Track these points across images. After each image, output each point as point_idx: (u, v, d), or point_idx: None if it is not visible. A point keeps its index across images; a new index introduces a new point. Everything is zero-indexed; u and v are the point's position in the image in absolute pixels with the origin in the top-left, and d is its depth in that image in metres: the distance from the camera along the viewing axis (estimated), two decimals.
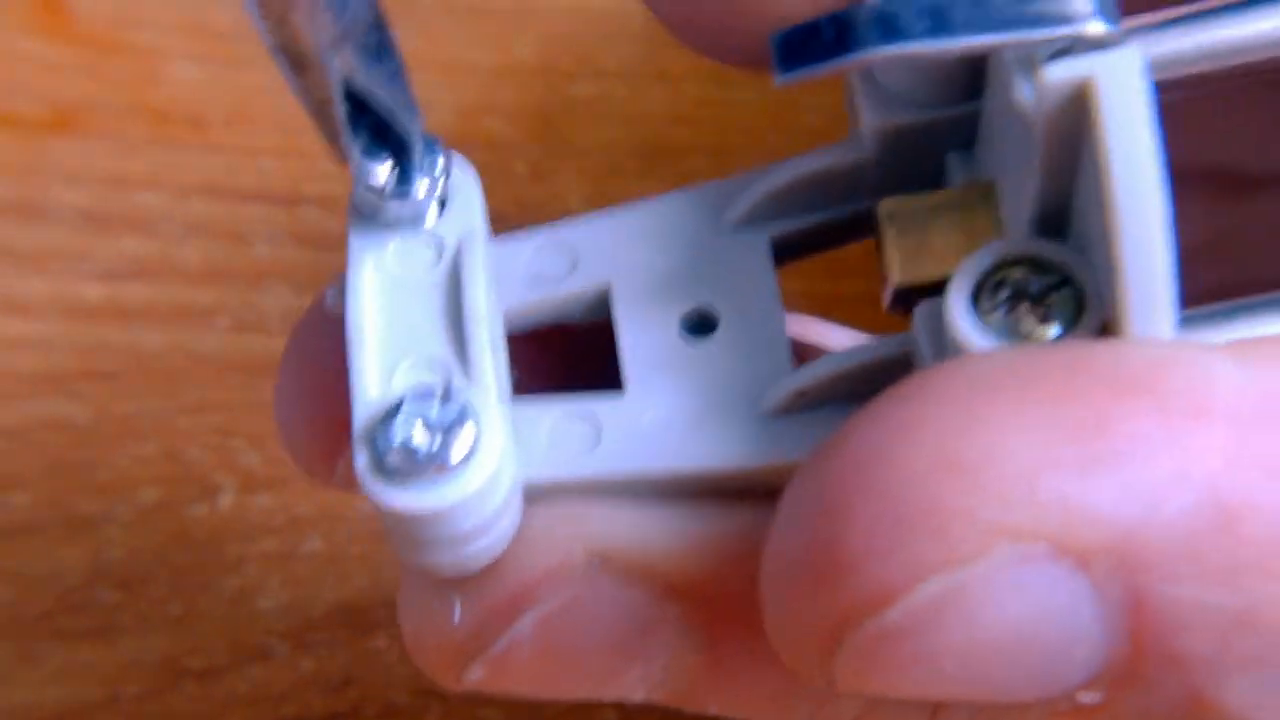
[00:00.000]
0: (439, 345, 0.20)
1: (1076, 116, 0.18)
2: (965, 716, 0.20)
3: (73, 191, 0.37)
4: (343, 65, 0.19)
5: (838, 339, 0.25)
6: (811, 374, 0.20)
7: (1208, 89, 0.20)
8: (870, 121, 0.21)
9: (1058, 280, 0.19)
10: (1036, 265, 0.19)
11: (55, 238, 0.37)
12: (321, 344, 0.21)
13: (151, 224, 0.37)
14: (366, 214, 0.21)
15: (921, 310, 0.20)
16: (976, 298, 0.19)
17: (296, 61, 0.19)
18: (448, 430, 0.19)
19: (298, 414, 0.22)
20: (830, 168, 0.22)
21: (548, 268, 0.22)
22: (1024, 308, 0.19)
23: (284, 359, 0.22)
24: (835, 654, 0.18)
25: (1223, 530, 0.17)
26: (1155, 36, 0.19)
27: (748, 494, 0.20)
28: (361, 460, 0.19)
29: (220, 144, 0.38)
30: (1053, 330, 0.19)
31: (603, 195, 0.37)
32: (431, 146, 0.21)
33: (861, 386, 0.19)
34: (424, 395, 0.19)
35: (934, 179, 0.22)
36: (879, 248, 0.21)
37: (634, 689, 0.21)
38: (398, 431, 0.19)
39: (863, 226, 0.21)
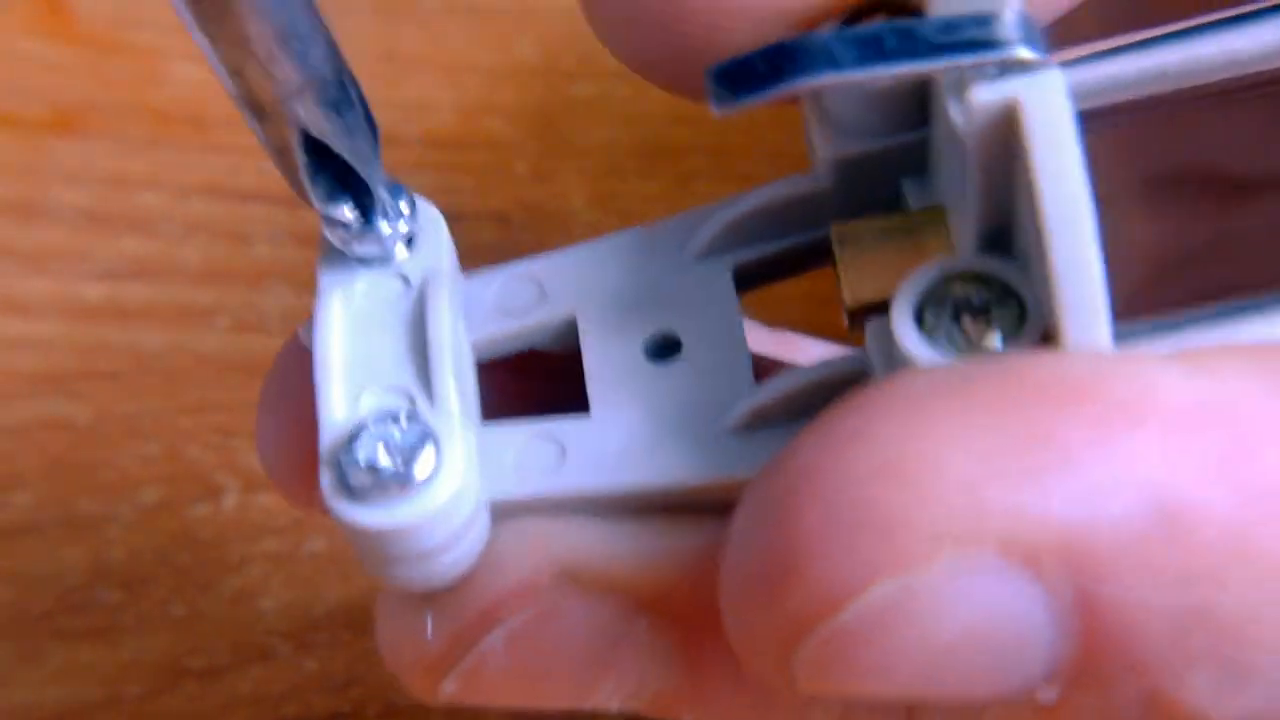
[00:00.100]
0: (404, 373, 0.21)
1: (1006, 136, 0.19)
2: (940, 717, 0.20)
3: (74, 191, 0.37)
4: (305, 115, 0.20)
5: (817, 355, 0.25)
6: (769, 391, 0.21)
7: (1200, 98, 0.20)
8: (824, 152, 0.22)
9: (1000, 294, 0.20)
10: (980, 280, 0.20)
11: (56, 237, 0.37)
12: (297, 378, 0.22)
13: (152, 224, 0.37)
14: (335, 250, 0.22)
15: (872, 327, 0.20)
16: (922, 313, 0.20)
17: (256, 109, 0.20)
18: (410, 451, 0.20)
19: (276, 445, 0.23)
20: (789, 197, 0.22)
21: (516, 299, 0.22)
22: (967, 320, 0.19)
23: (262, 393, 0.23)
24: (792, 658, 0.18)
25: (1166, 532, 0.17)
26: (1083, 67, 0.19)
27: (711, 508, 0.20)
28: (326, 480, 0.20)
29: (221, 144, 0.38)
30: (996, 341, 0.19)
31: (604, 195, 0.37)
32: (396, 190, 0.22)
33: (819, 402, 0.19)
34: (388, 418, 0.20)
35: (891, 205, 0.22)
36: (835, 271, 0.21)
37: (608, 701, 0.21)
38: (361, 451, 0.20)
39: (824, 253, 0.22)
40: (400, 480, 0.20)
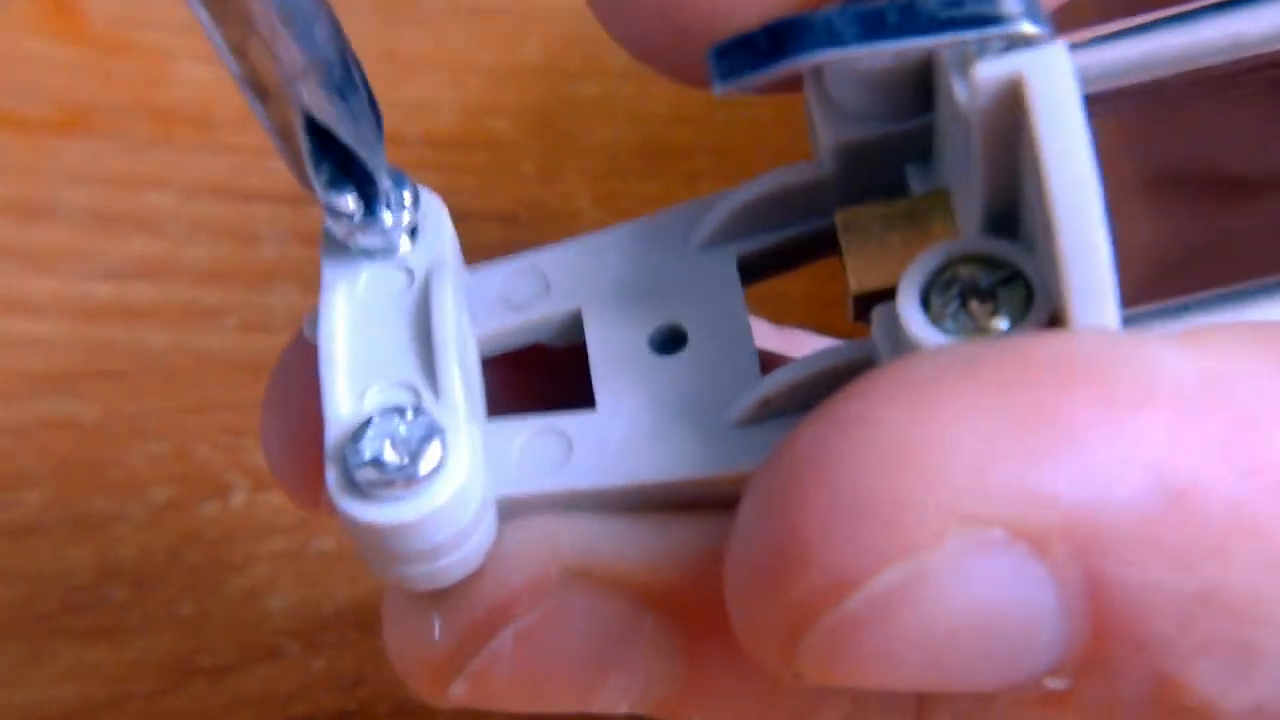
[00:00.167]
0: (409, 368, 0.21)
1: (1011, 112, 0.18)
2: (950, 712, 0.20)
3: (80, 191, 0.37)
4: (308, 97, 0.20)
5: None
6: (775, 382, 0.21)
7: (1200, 91, 0.20)
8: (827, 138, 0.22)
9: (1006, 275, 0.19)
10: (986, 262, 0.19)
11: (63, 237, 0.37)
12: (302, 376, 0.22)
13: (159, 224, 0.37)
14: (338, 243, 0.22)
15: (879, 313, 0.20)
16: (928, 296, 0.19)
17: (258, 90, 0.20)
18: (415, 447, 0.20)
19: (281, 443, 0.23)
20: (792, 185, 0.22)
21: (520, 293, 0.22)
22: (974, 303, 0.19)
23: (267, 390, 0.23)
24: (798, 648, 0.18)
25: (1173, 512, 0.17)
26: (1086, 51, 0.19)
27: (718, 503, 0.20)
28: (332, 477, 0.20)
29: (227, 144, 0.38)
30: (1002, 323, 0.19)
31: (607, 195, 0.37)
32: (399, 180, 0.21)
33: (825, 392, 0.19)
34: (393, 413, 0.20)
35: (895, 192, 0.22)
36: (840, 258, 0.21)
37: (617, 700, 0.21)
38: (366, 448, 0.20)
39: (828, 241, 0.22)
40: (406, 476, 0.19)
